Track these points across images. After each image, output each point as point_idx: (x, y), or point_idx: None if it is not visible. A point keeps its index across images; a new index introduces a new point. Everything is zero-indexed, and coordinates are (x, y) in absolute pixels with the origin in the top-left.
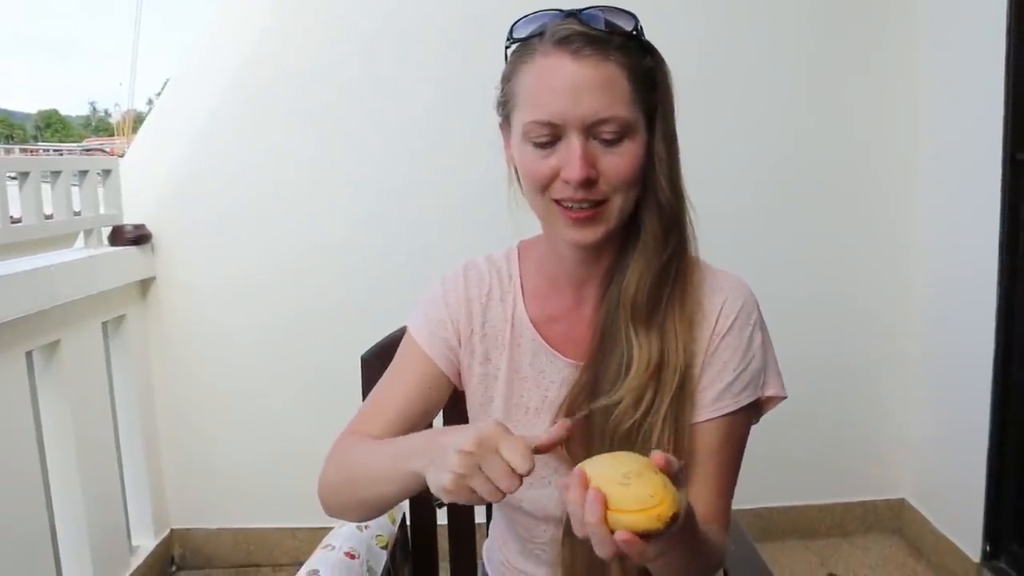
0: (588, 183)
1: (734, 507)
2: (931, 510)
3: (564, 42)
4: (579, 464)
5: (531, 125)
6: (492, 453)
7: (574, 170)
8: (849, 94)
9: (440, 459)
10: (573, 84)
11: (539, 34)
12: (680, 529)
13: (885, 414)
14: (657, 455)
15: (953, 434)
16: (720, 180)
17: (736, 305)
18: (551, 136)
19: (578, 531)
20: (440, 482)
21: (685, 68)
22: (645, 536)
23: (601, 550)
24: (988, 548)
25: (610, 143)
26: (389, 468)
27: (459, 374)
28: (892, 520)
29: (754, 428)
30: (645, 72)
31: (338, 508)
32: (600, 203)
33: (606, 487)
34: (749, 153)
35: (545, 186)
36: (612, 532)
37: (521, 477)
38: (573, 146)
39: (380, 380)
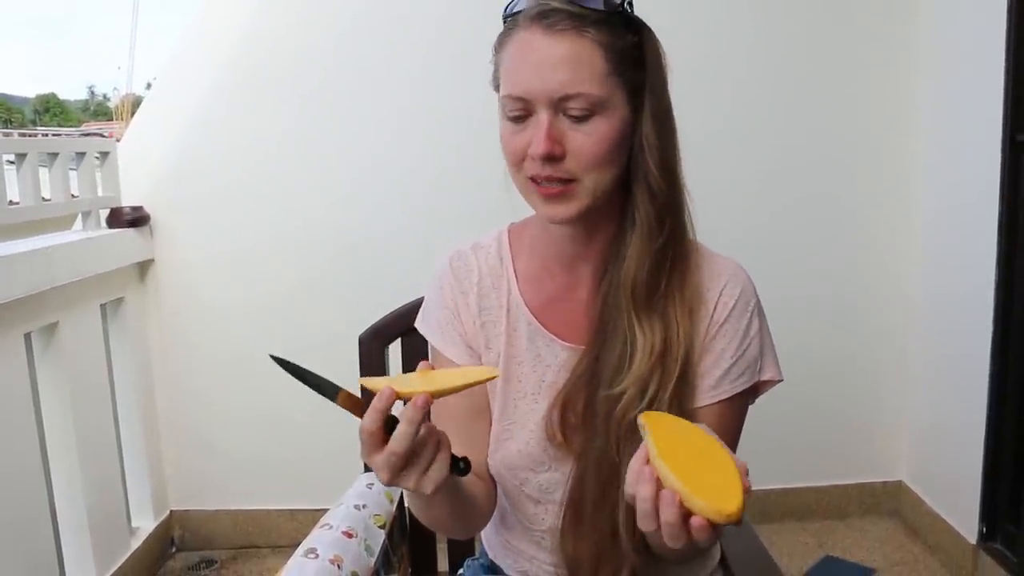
0: (552, 159)
1: None
2: (928, 492)
3: (540, 17)
4: (645, 436)
5: (506, 99)
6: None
7: (538, 145)
8: (847, 75)
9: None
10: (543, 59)
11: (523, 10)
12: None
13: (883, 396)
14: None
15: (950, 416)
16: (716, 161)
17: (735, 292)
18: (523, 111)
19: (646, 525)
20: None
21: (680, 53)
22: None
23: (674, 542)
24: (984, 529)
25: (579, 120)
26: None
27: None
28: (889, 502)
29: (753, 411)
30: (627, 49)
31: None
32: (569, 181)
33: (677, 469)
34: (745, 130)
35: (519, 161)
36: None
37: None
38: (540, 121)
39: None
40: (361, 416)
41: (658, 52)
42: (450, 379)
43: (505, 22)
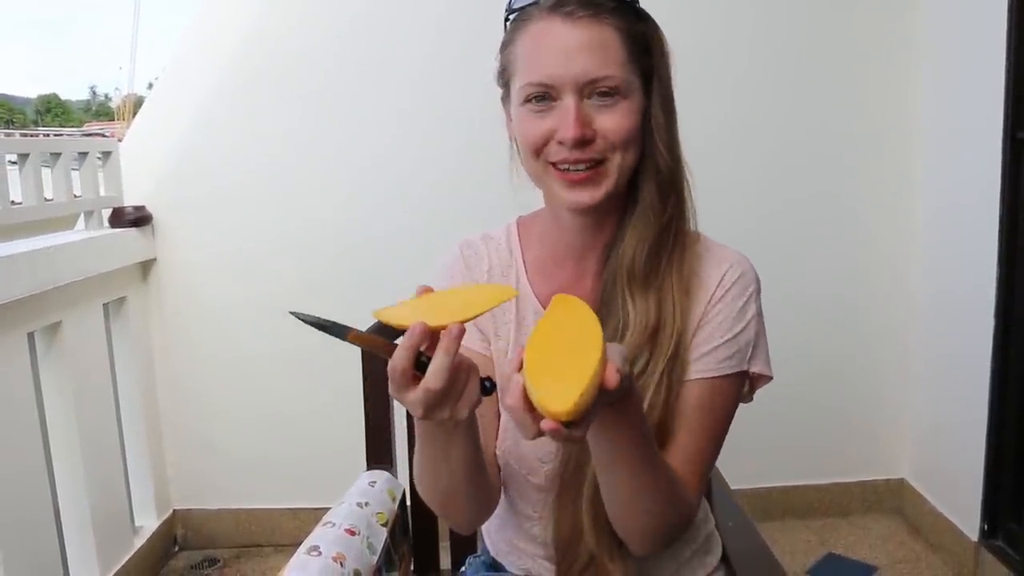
0: (583, 142)
1: (734, 487)
2: (930, 489)
3: (558, 5)
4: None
5: (527, 88)
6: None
7: (568, 129)
8: (848, 73)
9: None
10: (566, 45)
11: (535, 2)
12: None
13: (884, 394)
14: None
15: (952, 414)
16: (715, 159)
17: (735, 275)
18: (546, 98)
19: (504, 404)
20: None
21: (679, 50)
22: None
23: (525, 432)
24: (986, 527)
25: (606, 102)
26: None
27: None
28: (891, 500)
29: (755, 408)
30: (640, 36)
31: (447, 519)
32: (598, 163)
33: (537, 357)
34: (744, 128)
35: (540, 148)
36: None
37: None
38: (567, 106)
39: None
40: (377, 350)
41: (663, 40)
42: (470, 304)
43: (509, 18)
